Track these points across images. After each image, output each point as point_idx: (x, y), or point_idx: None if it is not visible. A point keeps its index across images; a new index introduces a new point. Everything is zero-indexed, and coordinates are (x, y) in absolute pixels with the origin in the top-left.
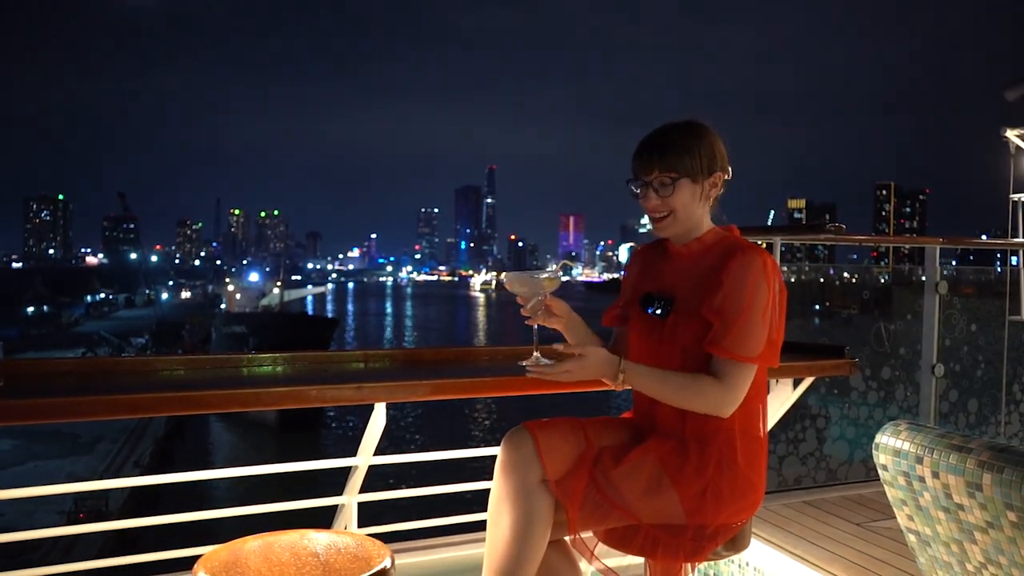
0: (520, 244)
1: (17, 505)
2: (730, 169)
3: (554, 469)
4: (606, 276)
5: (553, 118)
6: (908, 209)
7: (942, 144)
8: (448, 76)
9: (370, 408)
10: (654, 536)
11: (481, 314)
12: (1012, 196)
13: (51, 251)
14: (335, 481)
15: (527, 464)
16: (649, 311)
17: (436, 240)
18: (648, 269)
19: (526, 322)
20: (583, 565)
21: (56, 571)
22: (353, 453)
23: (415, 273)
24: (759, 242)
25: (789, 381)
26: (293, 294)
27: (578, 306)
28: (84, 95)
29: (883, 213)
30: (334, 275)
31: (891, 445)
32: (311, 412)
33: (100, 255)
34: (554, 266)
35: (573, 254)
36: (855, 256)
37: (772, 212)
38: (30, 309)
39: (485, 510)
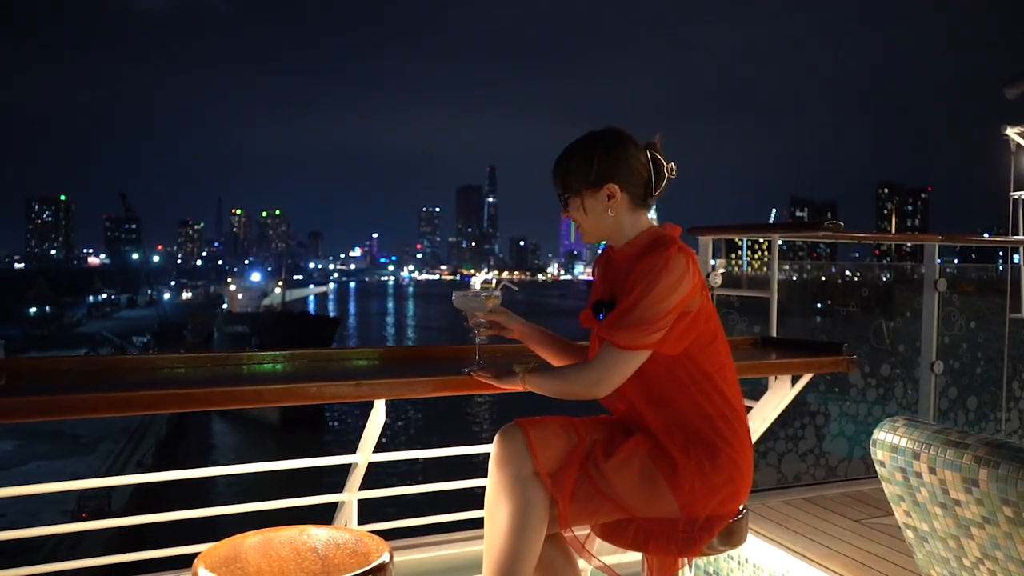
0: (522, 243)
1: (21, 505)
2: (646, 177)
3: (546, 462)
4: None
5: (554, 116)
6: (910, 207)
7: (944, 142)
8: (449, 75)
9: (370, 405)
10: (646, 528)
11: None
12: (1012, 194)
13: (53, 252)
14: (337, 479)
15: (520, 457)
16: (600, 317)
17: (438, 239)
18: (602, 275)
19: (471, 334)
20: (582, 562)
21: (59, 568)
22: (353, 451)
23: (416, 272)
24: (759, 238)
25: (787, 378)
26: (295, 294)
27: (580, 305)
28: (86, 95)
29: (885, 211)
30: (336, 275)
31: (888, 441)
32: (312, 411)
33: (102, 255)
34: (495, 288)
35: (575, 253)
36: (857, 254)
37: (773, 211)
38: (32, 309)
39: (483, 506)
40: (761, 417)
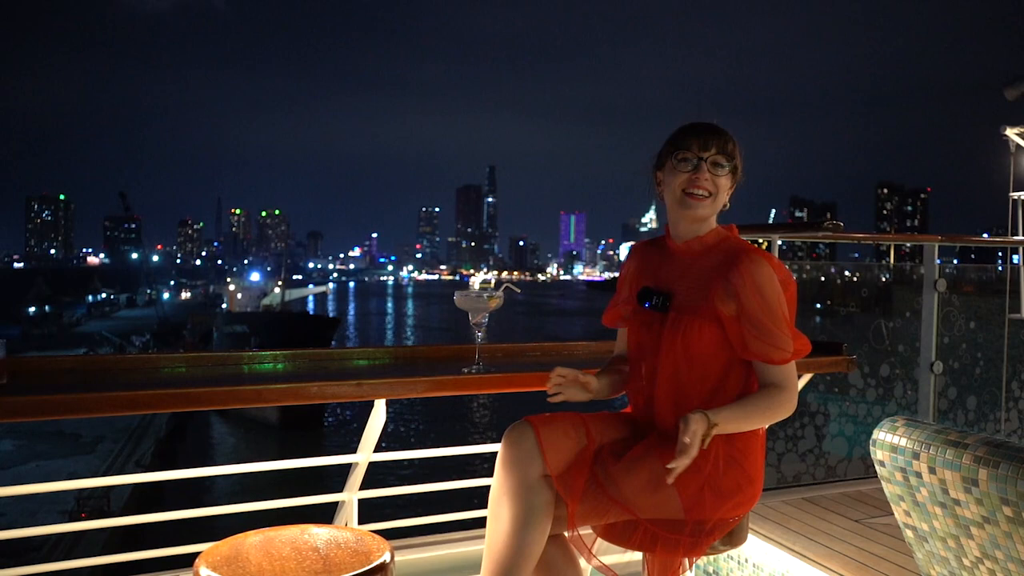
0: (521, 243)
1: (20, 505)
2: None
3: (555, 464)
4: (607, 275)
5: (554, 116)
6: (909, 207)
7: (943, 143)
8: (449, 75)
9: (370, 405)
10: (653, 531)
11: None
12: (1012, 194)
13: (53, 251)
14: (337, 479)
15: (528, 459)
16: (647, 305)
17: (437, 239)
18: (646, 265)
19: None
20: (582, 562)
21: (59, 568)
22: (353, 451)
23: (416, 272)
24: (759, 240)
25: None
26: (294, 293)
27: (580, 305)
28: (86, 95)
29: (884, 212)
30: (335, 274)
31: (888, 441)
32: (312, 411)
33: (102, 255)
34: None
35: (574, 253)
36: (856, 254)
37: (773, 211)
38: (32, 309)
39: (485, 506)
40: None
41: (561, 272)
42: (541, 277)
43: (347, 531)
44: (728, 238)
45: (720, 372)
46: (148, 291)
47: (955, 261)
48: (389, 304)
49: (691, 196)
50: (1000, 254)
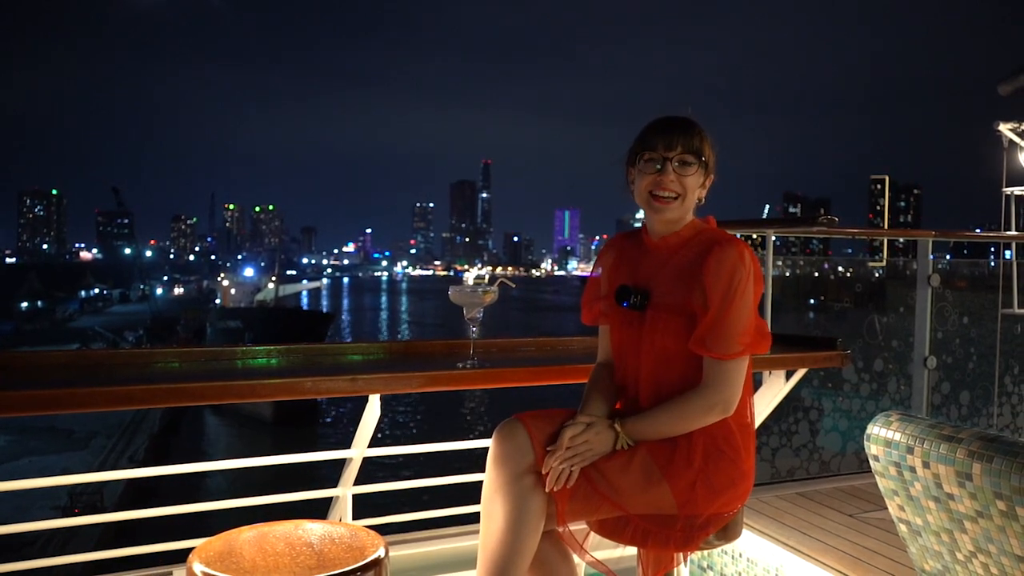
0: (515, 239)
1: (13, 501)
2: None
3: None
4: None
5: (548, 112)
6: (903, 203)
7: (937, 139)
8: (444, 71)
9: (364, 400)
10: (644, 527)
11: None
12: (1004, 190)
13: (45, 246)
14: (331, 474)
15: (519, 455)
16: (624, 305)
17: (432, 235)
18: (623, 261)
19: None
20: (576, 558)
21: (53, 563)
22: (347, 447)
23: (410, 268)
24: (753, 235)
25: (781, 373)
26: (288, 289)
27: (574, 301)
28: (79, 89)
29: (878, 207)
30: (329, 270)
31: (882, 435)
32: (306, 407)
33: (94, 250)
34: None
35: (568, 248)
36: (850, 250)
37: (767, 207)
38: (24, 304)
39: (479, 502)
40: (755, 412)
41: (555, 268)
42: (535, 273)
43: (341, 527)
44: (705, 230)
45: (699, 370)
46: (141, 286)
47: (948, 256)
48: (383, 299)
49: (657, 199)
50: (993, 249)
